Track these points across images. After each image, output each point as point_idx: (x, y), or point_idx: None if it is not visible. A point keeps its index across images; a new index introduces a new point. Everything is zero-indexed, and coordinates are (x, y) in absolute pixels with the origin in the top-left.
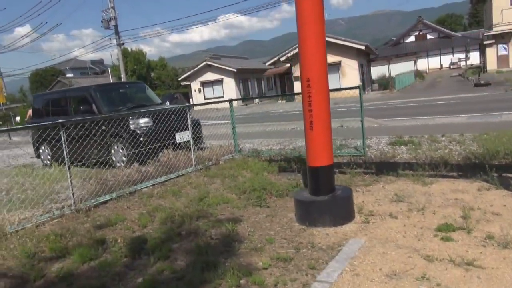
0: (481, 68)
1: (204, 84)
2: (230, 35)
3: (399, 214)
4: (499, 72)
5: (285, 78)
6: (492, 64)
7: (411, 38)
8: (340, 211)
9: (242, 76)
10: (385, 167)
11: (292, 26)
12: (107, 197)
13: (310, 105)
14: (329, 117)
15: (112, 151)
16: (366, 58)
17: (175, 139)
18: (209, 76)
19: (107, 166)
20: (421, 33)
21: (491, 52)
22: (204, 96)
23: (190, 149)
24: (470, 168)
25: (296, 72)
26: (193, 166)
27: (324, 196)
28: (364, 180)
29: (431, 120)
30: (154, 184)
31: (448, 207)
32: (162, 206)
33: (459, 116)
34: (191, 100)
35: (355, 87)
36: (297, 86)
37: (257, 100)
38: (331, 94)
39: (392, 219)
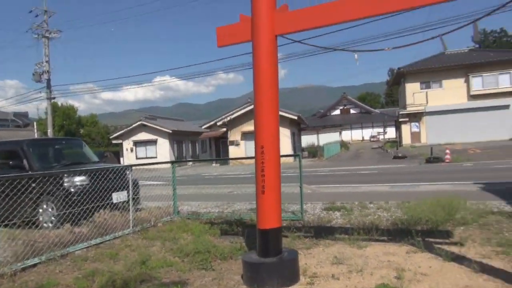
0: (397, 142)
1: (137, 143)
2: (165, 96)
3: (340, 275)
4: (412, 146)
5: (220, 142)
6: (406, 139)
7: (337, 112)
8: (288, 272)
9: (176, 138)
10: (323, 231)
11: (227, 92)
12: (36, 260)
13: (263, 171)
14: (280, 182)
15: (40, 210)
16: (297, 127)
17: (112, 199)
18: (143, 136)
19: (33, 227)
20: (345, 107)
21: (405, 129)
22: (136, 156)
23: (127, 210)
24: (398, 233)
25: (232, 136)
26: (131, 228)
27: (272, 258)
28: (305, 243)
29: (359, 188)
30: (88, 247)
31: (383, 268)
32: (99, 269)
33: (383, 185)
34: (121, 159)
35: (295, 155)
36: (232, 151)
37: (190, 162)
38: None
39: (335, 280)
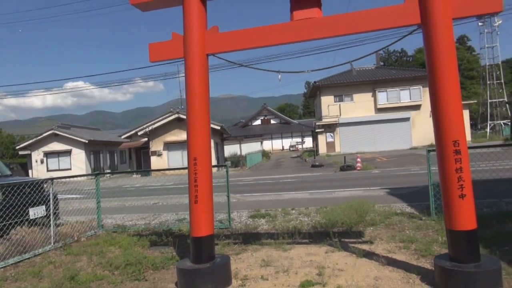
0: (314, 151)
1: (48, 154)
2: (78, 104)
3: (269, 276)
4: (328, 155)
5: (141, 152)
6: (323, 148)
7: (258, 122)
8: (221, 277)
9: (93, 148)
10: (250, 237)
11: (146, 101)
12: None
13: (196, 181)
14: (212, 192)
15: None
16: (220, 137)
17: (29, 214)
18: (55, 146)
19: None
20: (266, 118)
21: (321, 139)
22: (47, 168)
23: (47, 226)
24: (317, 235)
25: (154, 147)
26: (52, 244)
27: (206, 263)
28: (234, 250)
29: (281, 196)
30: (5, 266)
31: (306, 267)
32: None
33: (303, 192)
34: (30, 172)
35: (223, 165)
36: (154, 161)
37: (108, 174)
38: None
39: (264, 281)
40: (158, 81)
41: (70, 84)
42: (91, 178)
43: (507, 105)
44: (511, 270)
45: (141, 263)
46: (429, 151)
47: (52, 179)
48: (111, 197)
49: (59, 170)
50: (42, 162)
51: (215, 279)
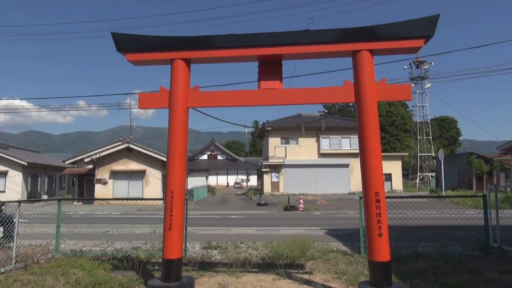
0: (259, 190)
1: None
2: (11, 122)
3: None
4: (272, 195)
5: (85, 179)
6: (267, 187)
7: (204, 156)
8: None
9: (31, 171)
10: (205, 265)
11: (88, 125)
12: None
13: (171, 211)
14: (184, 221)
15: None
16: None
17: None
18: None
19: None
20: (212, 153)
21: (267, 178)
22: None
23: (8, 247)
24: (265, 266)
25: (100, 175)
26: (13, 264)
27: (174, 282)
28: (193, 275)
29: (230, 231)
30: None
31: None
32: None
33: (250, 228)
34: None
35: None
36: (98, 189)
37: (47, 200)
38: (135, 202)
39: None
40: (102, 108)
41: (4, 102)
42: (29, 203)
43: (434, 159)
44: None
45: (109, 283)
46: (361, 197)
47: (19, 201)
48: (54, 223)
49: None
50: None
51: None
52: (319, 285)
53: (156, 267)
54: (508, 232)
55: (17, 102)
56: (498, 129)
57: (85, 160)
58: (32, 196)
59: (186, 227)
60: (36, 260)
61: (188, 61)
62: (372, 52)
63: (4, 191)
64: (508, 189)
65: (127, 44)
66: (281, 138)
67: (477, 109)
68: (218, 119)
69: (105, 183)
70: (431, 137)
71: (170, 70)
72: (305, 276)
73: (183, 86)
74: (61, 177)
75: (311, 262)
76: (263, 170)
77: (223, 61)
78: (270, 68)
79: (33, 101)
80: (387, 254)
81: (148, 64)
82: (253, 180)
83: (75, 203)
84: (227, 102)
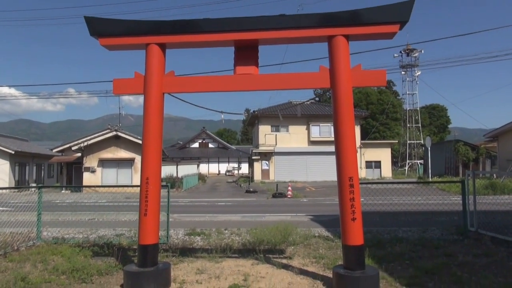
0: (250, 177)
1: None
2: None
3: (203, 281)
4: (263, 182)
5: (73, 167)
6: (258, 175)
7: (196, 144)
8: (162, 279)
9: (19, 160)
10: (186, 252)
11: (78, 113)
12: None
13: (146, 197)
14: (159, 207)
15: None
16: None
17: None
18: None
19: None
20: (204, 141)
21: (257, 166)
22: None
23: None
24: (246, 251)
25: (88, 163)
26: None
27: (150, 267)
28: (172, 261)
29: (216, 218)
30: None
31: (234, 275)
32: None
33: (236, 215)
34: None
35: (165, 186)
36: (87, 177)
37: (33, 188)
38: (123, 189)
39: (198, 284)
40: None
41: None
42: (14, 192)
43: (423, 147)
44: (391, 279)
45: (87, 269)
46: None
47: None
48: (44, 211)
49: None
50: None
51: (157, 281)
52: (296, 269)
53: (136, 254)
54: (486, 217)
55: (5, 90)
56: (487, 117)
57: (73, 148)
58: (20, 185)
59: (168, 214)
60: (16, 248)
61: (163, 46)
62: (348, 37)
63: None
64: (494, 175)
65: (101, 28)
66: (271, 126)
67: (466, 96)
68: (192, 104)
69: (93, 171)
70: (420, 125)
71: (145, 55)
72: (284, 261)
73: (158, 71)
74: (50, 165)
75: (292, 247)
76: (253, 158)
77: (198, 46)
78: (246, 54)
79: (22, 88)
80: (360, 238)
81: (123, 49)
82: (245, 168)
83: (63, 191)
84: (203, 87)
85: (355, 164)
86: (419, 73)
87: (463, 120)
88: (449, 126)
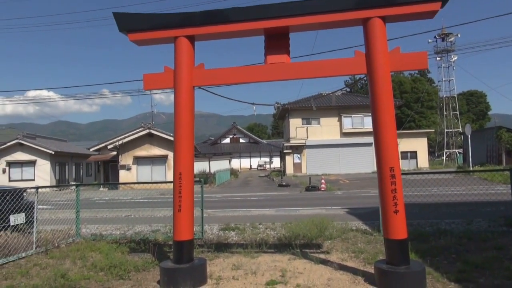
0: (282, 171)
1: (11, 164)
2: (40, 113)
3: (239, 277)
4: (295, 176)
5: (110, 165)
6: (290, 169)
7: (227, 140)
8: (198, 276)
9: (59, 160)
10: (221, 247)
11: (113, 113)
12: None
13: (180, 193)
14: (193, 203)
15: None
16: None
17: (10, 221)
18: (19, 156)
19: None
20: (235, 136)
21: (289, 160)
22: (9, 178)
23: (28, 232)
24: (282, 246)
25: (123, 161)
26: (34, 249)
27: (186, 264)
28: (208, 256)
29: (249, 212)
30: None
31: (271, 270)
32: (15, 285)
33: (270, 209)
34: None
35: (199, 181)
36: (123, 175)
37: (72, 187)
38: (157, 185)
39: (235, 280)
40: (126, 95)
41: (32, 93)
42: (56, 190)
43: (461, 135)
44: (437, 274)
45: (124, 265)
46: None
47: (37, 188)
48: (82, 209)
49: (22, 180)
50: (4, 172)
51: (193, 277)
52: (335, 264)
53: (172, 249)
54: None
55: (44, 93)
56: None
57: (109, 147)
58: (61, 184)
59: (202, 209)
60: (56, 245)
61: (192, 39)
62: (384, 19)
63: (34, 179)
64: None
65: (129, 23)
66: (302, 119)
67: (507, 81)
68: (223, 97)
69: (129, 168)
70: (458, 113)
71: (174, 48)
72: (322, 256)
73: (187, 64)
74: (88, 164)
75: (329, 241)
76: (285, 151)
77: (227, 37)
78: (276, 42)
79: (59, 91)
80: (403, 231)
81: (152, 43)
82: (276, 162)
83: (101, 189)
84: (233, 79)
85: (396, 154)
86: (456, 58)
87: (504, 106)
88: (489, 112)
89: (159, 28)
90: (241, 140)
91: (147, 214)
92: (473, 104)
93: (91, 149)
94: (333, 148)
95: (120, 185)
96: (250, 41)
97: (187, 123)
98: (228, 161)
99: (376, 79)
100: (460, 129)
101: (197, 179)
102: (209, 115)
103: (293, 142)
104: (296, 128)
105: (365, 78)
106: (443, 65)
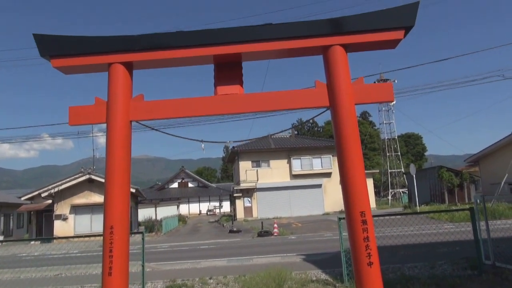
0: (232, 216)
1: None
2: None
3: None
4: (246, 220)
5: (44, 215)
6: (240, 213)
7: (175, 185)
8: None
9: None
10: None
11: (53, 159)
12: None
13: (111, 251)
14: (128, 263)
15: None
16: (135, 201)
17: None
18: None
19: None
20: (183, 181)
21: (239, 203)
22: None
23: None
24: None
25: (59, 210)
26: None
27: None
28: None
29: (198, 264)
30: None
31: None
32: None
33: (221, 260)
34: None
35: (139, 232)
36: (58, 226)
37: None
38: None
39: None
40: (67, 139)
41: None
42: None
43: (404, 175)
44: None
45: None
46: (339, 218)
47: None
48: (2, 268)
49: None
50: None
51: None
52: None
53: None
54: (499, 246)
55: None
56: (460, 143)
57: (43, 195)
58: None
59: (143, 265)
60: None
61: (129, 66)
62: (346, 47)
63: None
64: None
65: (53, 47)
66: (252, 162)
67: (443, 123)
68: (169, 134)
69: (65, 218)
70: (399, 153)
71: (108, 77)
72: None
73: (123, 95)
74: (19, 215)
75: None
76: (235, 195)
77: (171, 65)
78: (228, 71)
79: None
80: (379, 286)
81: (81, 71)
82: (226, 206)
83: (32, 242)
84: (179, 112)
85: (367, 196)
86: (394, 102)
87: (437, 147)
88: (425, 153)
89: (90, 53)
90: (190, 185)
91: (80, 272)
92: (411, 145)
93: (23, 198)
94: (284, 191)
95: (55, 240)
96: (202, 66)
97: (122, 165)
98: (176, 206)
99: (340, 112)
100: (403, 169)
101: (139, 229)
102: (157, 159)
103: (243, 185)
104: (246, 171)
105: (311, 121)
106: (383, 108)
